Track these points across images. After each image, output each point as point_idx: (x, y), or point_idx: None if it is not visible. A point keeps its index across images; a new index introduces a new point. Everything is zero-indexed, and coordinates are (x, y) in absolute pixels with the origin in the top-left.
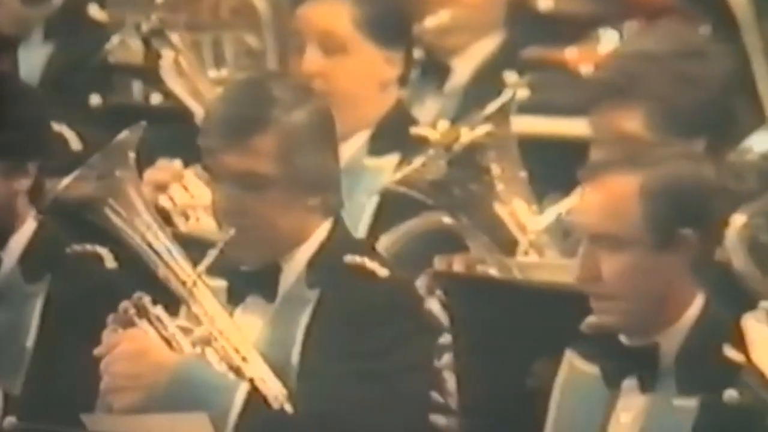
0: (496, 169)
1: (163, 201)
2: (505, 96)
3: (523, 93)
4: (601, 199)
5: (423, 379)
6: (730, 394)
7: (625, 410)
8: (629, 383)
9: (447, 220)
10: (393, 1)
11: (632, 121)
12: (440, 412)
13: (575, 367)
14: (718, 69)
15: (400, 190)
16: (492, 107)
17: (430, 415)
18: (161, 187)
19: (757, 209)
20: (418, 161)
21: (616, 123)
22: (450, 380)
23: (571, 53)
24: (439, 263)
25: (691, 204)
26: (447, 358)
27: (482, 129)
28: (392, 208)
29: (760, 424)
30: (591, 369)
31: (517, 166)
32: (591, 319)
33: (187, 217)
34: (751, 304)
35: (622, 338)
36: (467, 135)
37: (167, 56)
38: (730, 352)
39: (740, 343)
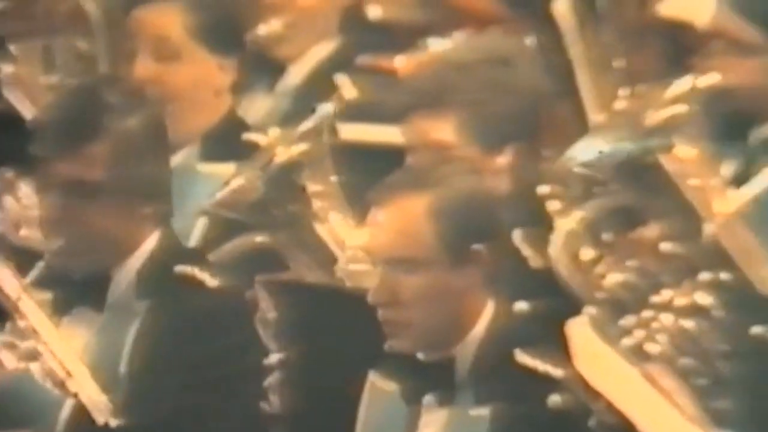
0: (312, 187)
1: None
2: (319, 113)
3: (351, 100)
4: (393, 221)
5: (252, 389)
6: (554, 399)
7: (426, 426)
8: (429, 399)
9: (267, 240)
10: (226, 8)
11: (444, 130)
12: (270, 422)
13: (376, 387)
14: (527, 77)
15: (220, 213)
16: (307, 124)
17: (259, 426)
18: None
19: (580, 215)
20: (235, 182)
21: (429, 131)
22: (279, 390)
23: (400, 61)
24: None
25: (481, 219)
26: (277, 368)
27: (297, 148)
28: (219, 225)
29: (582, 428)
30: (391, 387)
31: (333, 182)
32: (390, 341)
33: (18, 228)
34: (575, 310)
35: (419, 355)
36: (283, 154)
37: (5, 68)
38: (523, 358)
39: (565, 349)
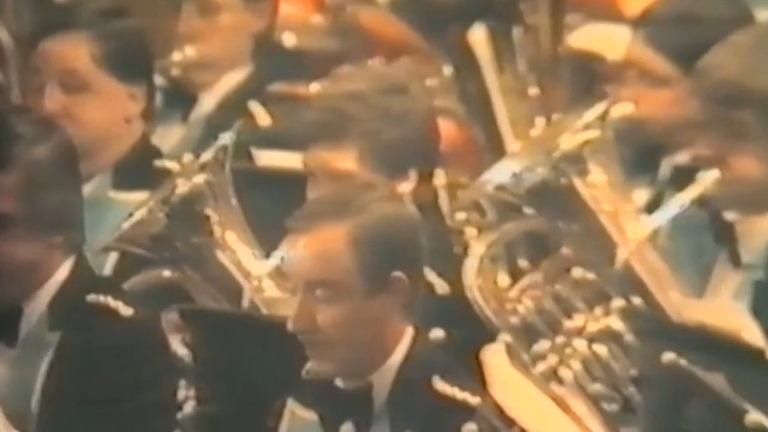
0: (215, 217)
1: None
2: (220, 142)
3: (264, 126)
4: (313, 248)
5: (166, 421)
6: (469, 427)
7: None
8: (347, 427)
9: (171, 273)
10: (132, 37)
11: (346, 159)
12: None
13: (296, 415)
14: (420, 104)
15: (122, 248)
16: (208, 154)
17: None
18: None
19: (493, 240)
20: (137, 215)
21: (330, 160)
22: (194, 421)
23: (315, 88)
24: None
25: (400, 246)
26: (190, 398)
27: (199, 178)
28: (131, 254)
29: None
30: (310, 415)
31: (236, 211)
32: (309, 365)
33: None
34: (489, 337)
35: (338, 382)
36: (184, 185)
37: None
38: (440, 385)
39: (480, 376)
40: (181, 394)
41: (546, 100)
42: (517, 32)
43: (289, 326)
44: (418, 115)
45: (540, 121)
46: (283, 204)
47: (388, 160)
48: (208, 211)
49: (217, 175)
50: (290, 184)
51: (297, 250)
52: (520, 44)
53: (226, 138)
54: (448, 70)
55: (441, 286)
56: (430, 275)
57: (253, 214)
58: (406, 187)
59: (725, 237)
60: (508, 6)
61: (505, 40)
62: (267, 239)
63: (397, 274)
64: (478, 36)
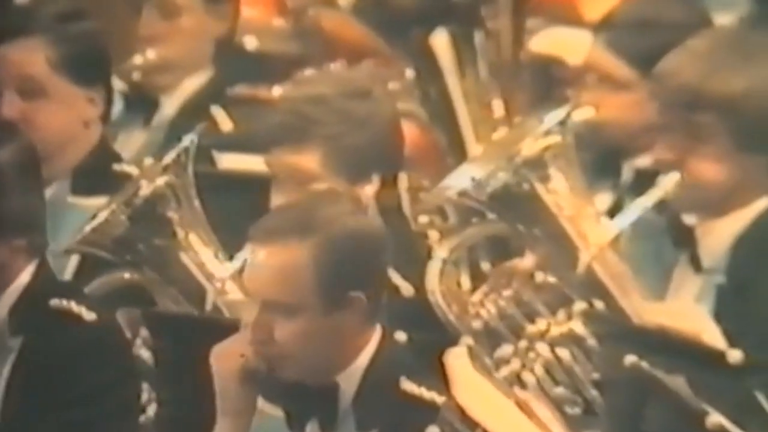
0: (177, 219)
1: None
2: (183, 144)
3: (226, 130)
4: (273, 264)
5: (129, 425)
6: (432, 430)
7: None
8: (312, 426)
9: (133, 276)
10: (89, 40)
11: (309, 162)
12: None
13: (263, 413)
14: (383, 108)
15: (84, 250)
16: (170, 156)
17: None
18: None
19: (456, 245)
20: (100, 217)
21: (294, 163)
22: (158, 424)
23: (277, 92)
24: (124, 316)
25: (362, 262)
26: (153, 400)
27: (161, 180)
28: (93, 257)
29: None
30: (276, 412)
31: (198, 214)
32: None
33: None
34: (453, 341)
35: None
36: (147, 187)
37: None
38: (407, 386)
39: (443, 379)
40: (144, 397)
41: (507, 104)
42: (478, 37)
43: (247, 341)
44: (381, 119)
45: (501, 125)
46: (247, 207)
47: (352, 164)
48: (171, 214)
49: (180, 177)
50: (254, 187)
51: (257, 261)
52: (482, 49)
53: (187, 140)
54: (410, 73)
55: (406, 289)
56: (396, 278)
57: (217, 216)
58: (369, 190)
59: (685, 241)
60: (469, 10)
61: (466, 44)
62: (230, 241)
63: (356, 293)
64: (440, 40)
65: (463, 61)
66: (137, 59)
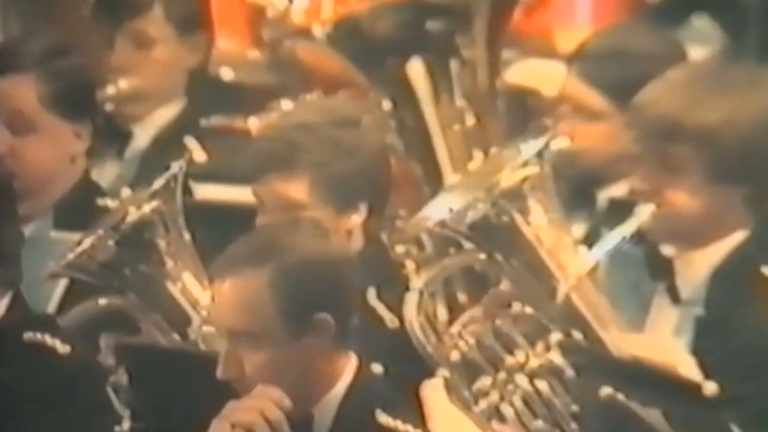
0: (164, 246)
1: None
2: (171, 171)
3: (201, 161)
4: (235, 296)
5: None
6: None
7: None
8: None
9: (118, 302)
10: (75, 75)
11: (297, 190)
12: None
13: None
14: (372, 137)
15: (69, 275)
16: (159, 183)
17: None
18: None
19: (433, 275)
20: (86, 242)
21: (282, 191)
22: None
23: (253, 123)
24: (106, 342)
25: (324, 286)
26: None
27: (149, 206)
28: (76, 290)
29: None
30: None
31: (185, 241)
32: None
33: None
34: (429, 372)
35: None
36: (134, 214)
37: None
38: (383, 418)
39: (420, 410)
40: (120, 428)
41: (483, 134)
42: (454, 66)
43: (218, 375)
44: (369, 148)
45: (478, 155)
46: (231, 236)
47: (339, 193)
48: (158, 240)
49: (168, 203)
50: (238, 217)
51: (221, 294)
52: (458, 78)
53: (176, 167)
54: (386, 104)
55: (391, 320)
56: (380, 309)
57: (203, 245)
58: (356, 219)
59: (663, 272)
60: (445, 40)
61: (442, 73)
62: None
63: (321, 315)
64: (416, 70)
65: (438, 91)
66: (110, 89)
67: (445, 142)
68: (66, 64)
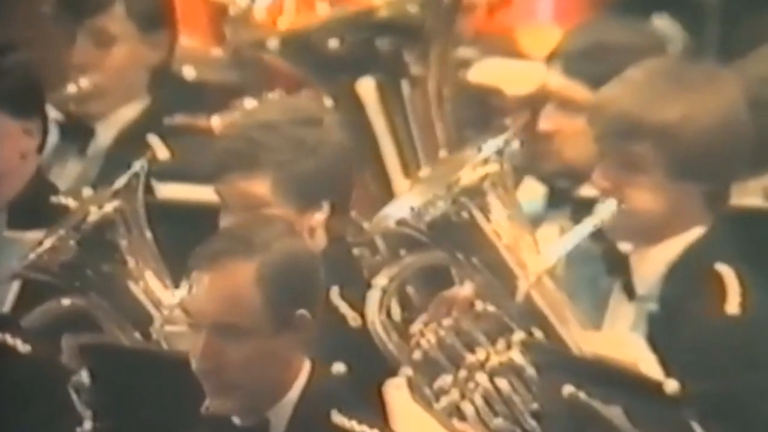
0: (126, 246)
1: None
2: (133, 170)
3: (164, 159)
4: (217, 287)
5: None
6: None
7: None
8: None
9: (80, 302)
10: (23, 72)
11: (259, 188)
12: None
13: None
14: (334, 136)
15: (30, 276)
16: (120, 182)
17: None
18: None
19: (395, 274)
20: (47, 242)
21: (245, 190)
22: None
23: (216, 121)
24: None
25: (305, 283)
26: None
27: (111, 205)
28: (32, 289)
29: None
30: None
31: (147, 240)
32: (208, 402)
33: None
34: (392, 371)
35: (234, 419)
36: (96, 213)
37: None
38: (338, 419)
39: (382, 411)
40: (81, 429)
41: (446, 133)
42: (404, 83)
43: (194, 366)
44: (332, 147)
45: (440, 153)
46: (194, 235)
47: (302, 191)
48: (120, 240)
49: (130, 202)
50: (201, 215)
51: (202, 286)
52: (408, 96)
53: (138, 165)
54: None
55: (354, 319)
56: (343, 307)
57: (164, 244)
58: (319, 217)
59: (619, 268)
60: (394, 58)
61: (393, 90)
62: (177, 270)
63: (302, 311)
64: (366, 86)
65: (390, 107)
66: (71, 88)
67: (396, 152)
68: (12, 61)
